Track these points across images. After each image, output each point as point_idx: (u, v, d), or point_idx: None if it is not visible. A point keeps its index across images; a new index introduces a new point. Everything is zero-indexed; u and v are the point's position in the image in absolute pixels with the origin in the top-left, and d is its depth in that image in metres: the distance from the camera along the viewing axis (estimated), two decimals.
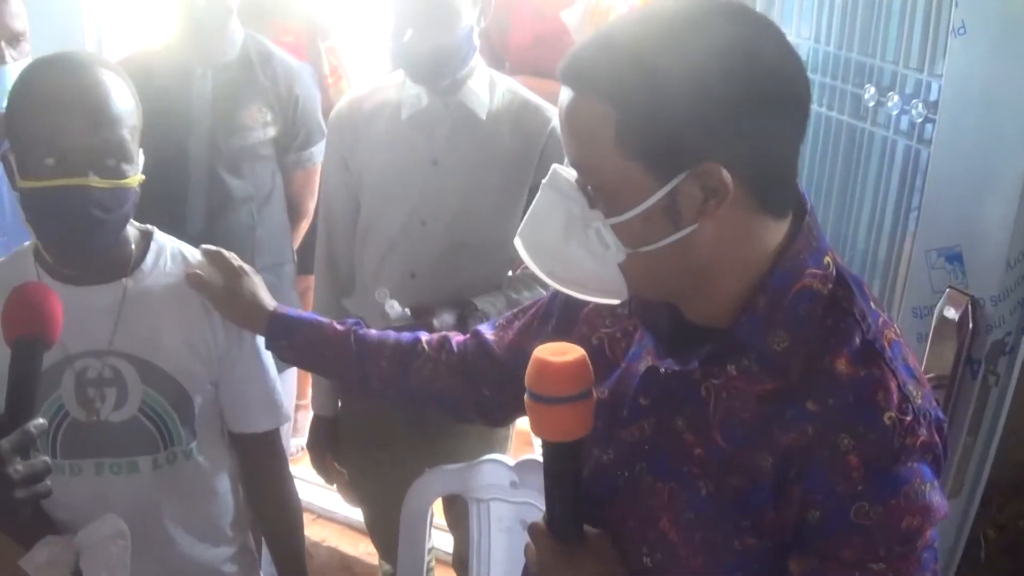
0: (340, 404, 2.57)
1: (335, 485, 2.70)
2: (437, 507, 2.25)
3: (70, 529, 1.76)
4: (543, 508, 1.32)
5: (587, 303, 1.39)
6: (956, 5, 1.74)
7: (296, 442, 3.65)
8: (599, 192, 1.18)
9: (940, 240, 1.83)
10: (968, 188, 1.78)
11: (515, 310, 1.65)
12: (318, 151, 2.88)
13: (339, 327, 1.76)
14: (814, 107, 1.79)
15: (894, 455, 1.13)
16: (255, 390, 1.91)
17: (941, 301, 1.82)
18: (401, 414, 2.33)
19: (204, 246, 1.88)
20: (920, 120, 1.93)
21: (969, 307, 1.77)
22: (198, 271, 1.81)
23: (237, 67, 2.76)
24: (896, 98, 1.98)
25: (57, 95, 1.62)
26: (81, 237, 1.65)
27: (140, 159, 1.71)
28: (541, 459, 1.31)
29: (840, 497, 1.13)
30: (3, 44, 2.48)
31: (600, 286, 1.24)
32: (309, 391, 2.86)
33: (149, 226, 1.86)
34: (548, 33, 3.76)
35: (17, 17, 2.50)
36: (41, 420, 1.43)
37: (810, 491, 1.15)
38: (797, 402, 1.16)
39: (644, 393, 1.30)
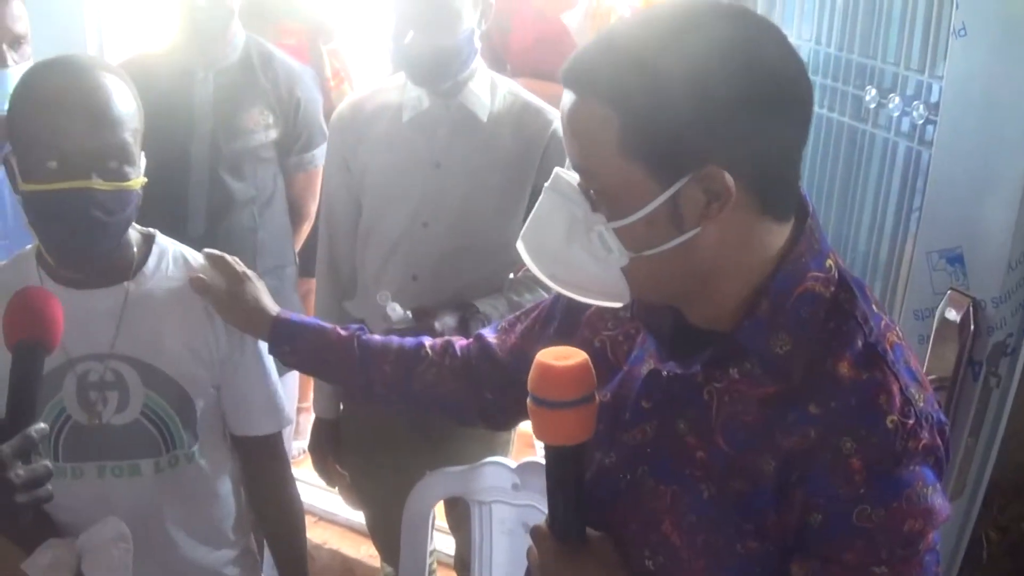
0: (342, 407, 2.57)
1: (337, 488, 2.70)
2: (439, 509, 2.25)
3: (72, 532, 1.76)
4: (545, 510, 1.32)
5: (589, 306, 1.39)
6: (957, 7, 1.74)
7: (298, 444, 3.64)
8: (602, 196, 1.18)
9: (941, 242, 1.83)
10: (969, 190, 1.78)
11: (517, 313, 1.65)
12: (320, 153, 2.88)
13: (342, 332, 1.75)
14: (815, 109, 1.79)
15: (896, 458, 1.13)
16: (257, 393, 1.91)
17: (942, 303, 1.82)
18: (403, 417, 2.33)
19: (207, 250, 1.88)
20: (921, 122, 1.92)
21: (970, 309, 1.77)
22: (201, 275, 1.81)
23: (239, 70, 2.76)
24: (897, 100, 1.98)
25: (59, 98, 1.62)
26: (84, 239, 1.65)
27: (142, 162, 1.71)
28: (543, 461, 1.31)
29: (842, 500, 1.13)
30: (4, 47, 2.47)
31: (602, 289, 1.24)
32: (311, 394, 2.86)
33: (151, 229, 1.87)
34: (549, 35, 3.76)
35: (18, 20, 2.49)
36: (42, 425, 1.42)
37: (812, 494, 1.15)
38: (799, 405, 1.16)
39: (646, 396, 1.30)
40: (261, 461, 1.98)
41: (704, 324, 1.26)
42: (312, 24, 3.77)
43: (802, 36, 2.22)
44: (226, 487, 1.94)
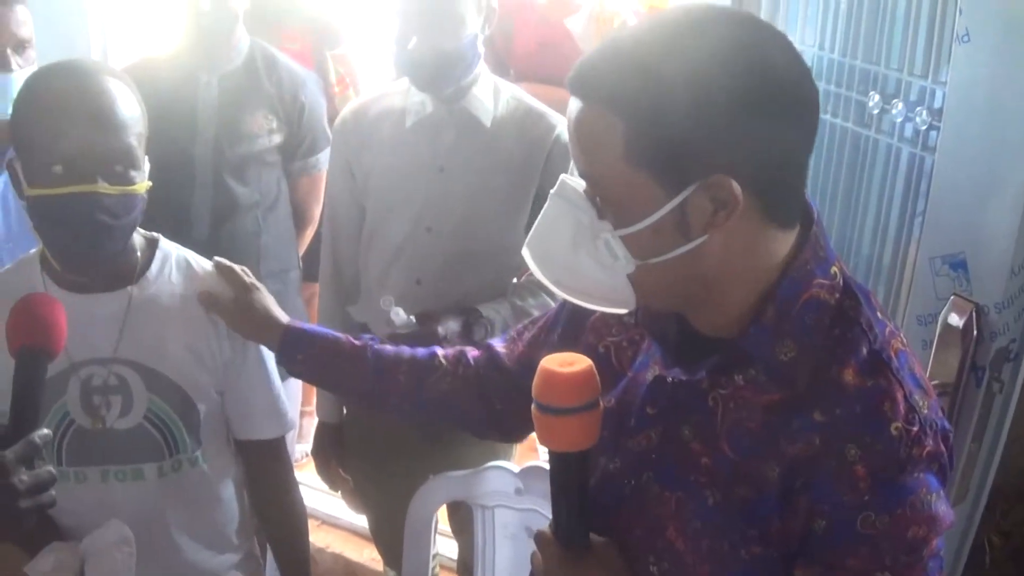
0: (345, 411, 2.57)
1: (340, 492, 2.70)
2: (442, 513, 2.25)
3: (75, 536, 1.76)
4: (548, 515, 1.32)
5: (593, 312, 1.39)
6: (960, 12, 1.74)
7: (301, 448, 3.64)
8: (608, 203, 1.18)
9: (944, 247, 1.83)
10: (972, 195, 1.78)
11: (526, 322, 1.65)
12: (324, 158, 2.88)
13: (355, 342, 1.74)
14: None
15: (900, 465, 1.13)
16: (260, 397, 1.92)
17: (945, 308, 1.82)
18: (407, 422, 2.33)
19: (216, 259, 1.88)
20: (924, 127, 1.93)
21: (973, 314, 1.77)
22: (209, 291, 1.81)
23: (243, 74, 2.76)
24: (900, 105, 1.98)
25: (63, 102, 1.62)
26: (90, 244, 1.65)
27: (146, 166, 1.71)
28: (546, 466, 1.31)
29: (846, 507, 1.13)
30: (9, 51, 2.47)
31: (608, 296, 1.24)
32: (314, 398, 2.86)
33: (154, 233, 1.87)
34: (552, 40, 3.77)
35: (23, 25, 2.49)
36: (46, 430, 1.43)
37: (817, 501, 1.15)
38: (804, 412, 1.16)
39: (651, 402, 1.30)
40: (264, 465, 1.98)
41: (709, 331, 1.26)
42: (316, 29, 3.77)
43: (805, 41, 2.22)
44: (229, 491, 1.94)
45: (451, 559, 2.91)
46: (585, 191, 1.20)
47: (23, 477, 1.37)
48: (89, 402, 1.76)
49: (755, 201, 1.14)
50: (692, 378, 1.25)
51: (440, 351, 1.71)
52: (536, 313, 2.29)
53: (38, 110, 1.64)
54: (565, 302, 1.44)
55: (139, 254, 1.81)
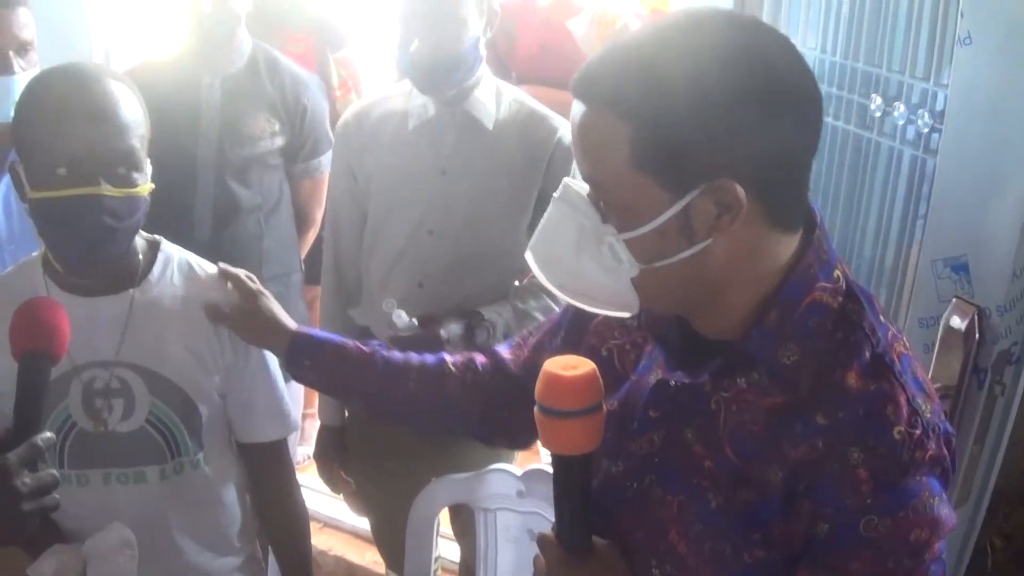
0: (347, 414, 2.57)
1: (342, 494, 2.70)
2: (444, 516, 2.25)
3: (78, 538, 1.76)
4: (550, 518, 1.32)
5: (596, 315, 1.39)
6: (962, 15, 1.74)
7: (303, 451, 3.64)
8: (612, 207, 1.18)
9: (946, 250, 1.83)
10: (974, 198, 1.78)
11: (531, 327, 1.65)
12: (326, 160, 2.88)
13: (364, 348, 1.71)
14: None
15: (903, 469, 1.13)
16: (263, 400, 1.91)
17: (947, 311, 1.82)
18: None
19: (222, 267, 1.86)
20: (926, 130, 1.93)
21: (975, 317, 1.77)
22: (213, 302, 1.80)
23: (245, 76, 2.76)
24: (902, 108, 1.98)
25: (66, 105, 1.62)
26: (93, 245, 1.65)
27: (149, 168, 1.71)
28: (548, 469, 1.31)
29: (849, 511, 1.13)
30: (11, 54, 2.47)
31: (611, 299, 1.24)
32: (316, 400, 2.86)
33: (156, 236, 1.87)
34: (554, 42, 3.78)
35: (25, 27, 2.49)
36: (49, 434, 1.42)
37: (819, 504, 1.15)
38: (807, 416, 1.16)
39: (654, 406, 1.30)
40: (266, 467, 1.98)
41: (712, 334, 1.26)
42: (319, 32, 3.77)
43: (807, 44, 2.22)
44: (231, 494, 1.94)
45: (453, 562, 2.91)
46: (589, 195, 1.20)
47: (26, 480, 1.37)
48: (91, 405, 1.76)
49: (759, 205, 1.14)
50: (695, 381, 1.25)
51: (449, 358, 1.69)
52: (538, 315, 2.30)
53: (40, 113, 1.64)
54: (569, 306, 1.44)
55: (141, 257, 1.81)
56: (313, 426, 3.09)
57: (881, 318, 1.22)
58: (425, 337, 2.16)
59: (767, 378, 1.19)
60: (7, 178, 2.32)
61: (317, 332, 1.79)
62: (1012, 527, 2.01)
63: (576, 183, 1.23)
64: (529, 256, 1.28)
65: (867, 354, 1.17)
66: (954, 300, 1.81)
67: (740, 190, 1.11)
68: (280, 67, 2.83)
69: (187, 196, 2.71)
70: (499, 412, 1.62)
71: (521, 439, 1.69)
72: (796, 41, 2.13)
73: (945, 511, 1.16)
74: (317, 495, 3.33)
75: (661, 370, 1.31)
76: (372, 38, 4.18)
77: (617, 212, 1.17)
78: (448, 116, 2.30)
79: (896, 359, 1.18)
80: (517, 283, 2.43)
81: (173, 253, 1.86)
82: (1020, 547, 2.02)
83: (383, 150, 2.35)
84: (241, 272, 1.84)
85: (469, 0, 2.20)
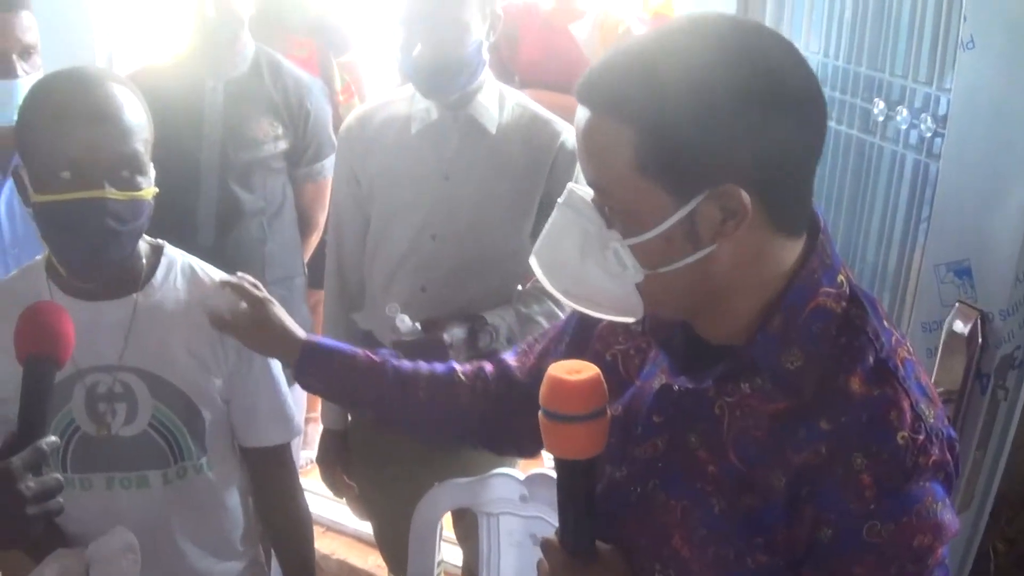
0: (350, 418, 2.57)
1: (345, 498, 2.70)
2: (447, 520, 2.25)
3: (80, 542, 1.76)
4: (553, 522, 1.32)
5: (601, 320, 1.39)
6: (965, 19, 1.74)
7: (306, 455, 3.64)
8: (616, 212, 1.18)
9: (949, 254, 1.83)
10: (977, 202, 1.78)
11: (537, 334, 1.65)
12: (329, 164, 2.88)
13: (374, 357, 1.68)
14: None
15: (907, 474, 1.13)
16: (266, 404, 1.91)
17: (950, 315, 1.82)
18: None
19: (226, 278, 1.80)
20: (929, 134, 1.93)
21: (978, 321, 1.77)
22: (218, 311, 1.75)
23: (248, 80, 2.77)
24: (905, 112, 1.98)
25: (69, 109, 1.63)
26: (97, 249, 1.65)
27: (152, 172, 1.71)
28: (551, 473, 1.31)
29: (853, 516, 1.13)
30: (14, 57, 2.47)
31: (616, 305, 1.24)
32: (319, 404, 2.86)
33: (160, 240, 1.87)
34: (557, 46, 3.78)
35: (28, 31, 2.49)
36: (53, 438, 1.43)
37: (823, 509, 1.15)
38: (810, 421, 1.16)
39: (658, 411, 1.30)
40: (269, 471, 1.98)
41: (716, 339, 1.26)
42: (322, 35, 3.78)
43: (810, 49, 2.22)
44: (234, 499, 1.94)
45: (456, 566, 2.91)
46: (593, 200, 1.20)
47: (30, 484, 1.37)
48: (94, 409, 1.76)
49: (763, 210, 1.14)
50: (699, 386, 1.25)
51: (459, 367, 1.67)
52: (541, 319, 2.30)
53: (44, 116, 1.64)
54: (574, 312, 1.44)
55: (144, 261, 1.81)
56: (316, 430, 3.08)
57: (884, 323, 1.22)
58: (428, 341, 2.15)
59: (771, 383, 1.19)
60: (10, 182, 2.32)
61: (326, 341, 1.76)
62: (1015, 531, 2.01)
63: (581, 188, 1.22)
64: (534, 261, 1.28)
65: (871, 359, 1.17)
66: (957, 304, 1.81)
67: (745, 195, 1.11)
68: (283, 71, 2.84)
69: (190, 200, 2.71)
70: (508, 420, 1.61)
71: (528, 447, 1.66)
72: (799, 45, 2.13)
73: (948, 516, 1.16)
74: (320, 499, 3.32)
75: (665, 375, 1.31)
76: (375, 42, 4.18)
77: (622, 217, 1.17)
78: (451, 120, 2.30)
79: (899, 364, 1.18)
80: (520, 287, 2.43)
81: (176, 257, 1.86)
82: (1023, 551, 2.01)
83: (386, 154, 2.36)
84: (247, 279, 1.78)
85: (472, 4, 2.20)
